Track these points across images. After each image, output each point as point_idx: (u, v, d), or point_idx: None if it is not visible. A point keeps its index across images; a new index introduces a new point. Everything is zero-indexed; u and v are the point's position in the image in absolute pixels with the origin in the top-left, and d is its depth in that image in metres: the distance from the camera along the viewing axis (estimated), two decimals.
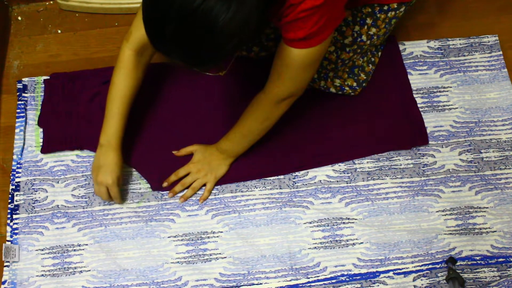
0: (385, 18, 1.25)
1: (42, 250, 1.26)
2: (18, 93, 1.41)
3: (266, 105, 1.16)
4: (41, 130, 1.37)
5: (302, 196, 1.31)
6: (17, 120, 1.39)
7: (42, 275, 1.24)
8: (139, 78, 1.23)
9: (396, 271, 1.24)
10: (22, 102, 1.40)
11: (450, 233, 1.28)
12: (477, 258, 1.25)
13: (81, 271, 1.24)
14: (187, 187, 1.31)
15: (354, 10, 1.23)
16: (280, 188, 1.32)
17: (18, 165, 1.34)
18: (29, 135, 1.37)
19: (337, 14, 1.00)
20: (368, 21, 1.25)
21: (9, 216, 1.29)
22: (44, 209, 1.30)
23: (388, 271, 1.24)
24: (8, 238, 1.27)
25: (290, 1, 0.94)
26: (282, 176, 1.33)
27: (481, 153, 1.36)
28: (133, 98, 1.23)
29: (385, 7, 1.22)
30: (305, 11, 0.94)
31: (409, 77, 1.43)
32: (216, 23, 0.81)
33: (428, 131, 1.37)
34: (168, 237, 1.27)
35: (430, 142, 1.37)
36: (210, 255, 1.26)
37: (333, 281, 1.24)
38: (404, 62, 1.45)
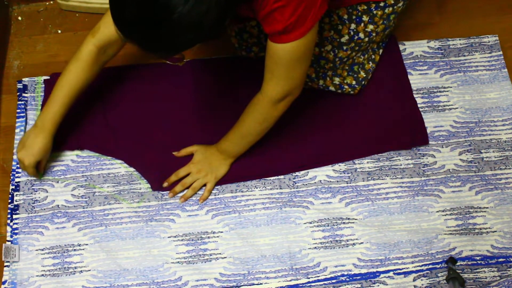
0: (382, 14, 1.24)
1: (42, 250, 1.26)
2: (18, 93, 1.41)
3: (263, 106, 1.16)
4: None
5: (302, 196, 1.31)
6: (17, 120, 1.39)
7: (42, 275, 1.24)
8: (93, 74, 1.24)
9: (396, 271, 1.24)
10: (22, 102, 1.40)
11: (450, 233, 1.28)
12: (477, 258, 1.25)
13: (81, 271, 1.24)
14: (187, 187, 1.31)
15: (349, 8, 1.23)
16: (280, 188, 1.32)
17: (18, 165, 1.34)
18: None
19: (316, 5, 0.99)
20: (365, 19, 1.24)
21: (9, 216, 1.29)
22: (44, 209, 1.30)
23: (388, 271, 1.24)
24: (8, 238, 1.27)
25: None
26: (282, 176, 1.33)
27: (481, 153, 1.36)
28: (82, 91, 1.24)
29: (381, 4, 1.22)
30: (279, 1, 0.95)
31: (409, 77, 1.43)
32: (172, 14, 0.83)
33: (428, 131, 1.37)
34: (168, 237, 1.27)
35: (430, 142, 1.37)
36: (210, 255, 1.26)
37: (333, 281, 1.24)
38: (404, 62, 1.45)
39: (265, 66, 1.10)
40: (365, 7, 1.23)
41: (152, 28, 0.85)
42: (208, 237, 1.28)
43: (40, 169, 1.29)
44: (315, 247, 1.27)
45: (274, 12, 0.97)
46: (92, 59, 1.20)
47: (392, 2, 1.23)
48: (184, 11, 0.83)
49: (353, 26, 1.25)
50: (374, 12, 1.24)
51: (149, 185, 1.32)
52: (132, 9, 0.84)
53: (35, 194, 1.31)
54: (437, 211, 1.30)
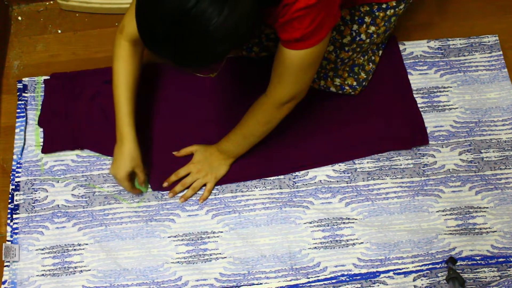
0: (384, 16, 1.25)
1: (42, 249, 1.26)
2: (18, 93, 1.41)
3: (268, 108, 1.17)
4: (41, 130, 1.37)
5: (302, 196, 1.31)
6: (17, 120, 1.39)
7: (43, 274, 1.24)
8: (137, 64, 1.23)
9: (396, 271, 1.24)
10: (22, 102, 1.40)
11: (450, 233, 1.28)
12: (477, 258, 1.25)
13: (81, 271, 1.24)
14: (187, 187, 1.31)
15: (352, 9, 1.23)
16: (280, 188, 1.32)
17: (18, 165, 1.34)
18: (29, 135, 1.37)
19: (332, 13, 1.00)
20: (367, 20, 1.25)
21: (9, 216, 1.29)
22: (44, 208, 1.30)
23: (388, 271, 1.24)
24: (8, 238, 1.27)
25: (284, 1, 0.94)
26: (282, 176, 1.33)
27: (481, 153, 1.36)
28: (137, 85, 1.23)
29: (384, 5, 1.22)
30: (299, 10, 0.94)
31: (409, 77, 1.43)
32: (207, 27, 0.81)
33: (428, 131, 1.37)
34: (168, 237, 1.27)
35: (430, 142, 1.37)
36: (210, 255, 1.26)
37: (333, 281, 1.24)
38: (404, 62, 1.45)
39: (274, 69, 1.10)
40: (368, 9, 1.23)
41: (187, 43, 0.83)
42: (208, 237, 1.28)
43: (140, 181, 1.26)
44: (315, 247, 1.27)
45: (293, 21, 0.97)
46: (130, 52, 1.20)
47: (394, 4, 1.23)
48: (219, 22, 0.81)
49: (355, 27, 1.25)
50: (376, 13, 1.24)
51: (149, 185, 1.32)
52: (164, 27, 0.82)
53: (35, 194, 1.31)
54: (437, 211, 1.30)
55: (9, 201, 1.31)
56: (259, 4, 0.88)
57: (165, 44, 0.84)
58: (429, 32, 1.50)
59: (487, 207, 1.31)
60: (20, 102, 1.40)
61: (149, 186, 1.32)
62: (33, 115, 1.39)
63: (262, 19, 1.02)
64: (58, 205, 1.30)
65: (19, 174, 1.33)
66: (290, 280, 1.24)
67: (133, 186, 1.26)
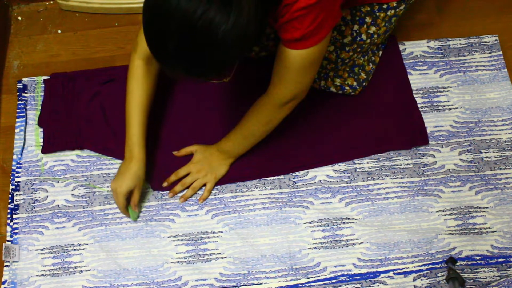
0: (384, 16, 1.25)
1: (42, 249, 1.26)
2: (18, 93, 1.41)
3: (269, 108, 1.17)
4: (41, 130, 1.37)
5: (302, 196, 1.31)
6: (17, 120, 1.39)
7: (42, 274, 1.24)
8: (151, 85, 1.23)
9: (396, 271, 1.24)
10: (22, 102, 1.40)
11: (450, 233, 1.28)
12: (477, 258, 1.25)
13: (81, 271, 1.24)
14: (187, 187, 1.31)
15: (353, 9, 1.24)
16: (280, 188, 1.32)
17: (18, 165, 1.34)
18: (29, 135, 1.37)
19: (333, 13, 1.00)
20: (368, 20, 1.25)
21: (9, 216, 1.29)
22: (44, 208, 1.30)
23: (388, 271, 1.24)
24: (8, 238, 1.27)
25: (285, 1, 0.94)
26: (282, 176, 1.33)
27: (481, 153, 1.36)
28: (149, 105, 1.24)
29: (384, 6, 1.22)
30: (300, 10, 0.95)
31: (409, 77, 1.43)
32: (216, 34, 0.81)
33: (428, 131, 1.37)
34: (168, 237, 1.27)
35: (430, 142, 1.37)
36: (210, 255, 1.26)
37: (333, 281, 1.24)
38: (404, 62, 1.45)
39: (274, 69, 1.10)
40: (368, 9, 1.23)
41: (198, 53, 0.83)
42: (208, 237, 1.28)
43: (133, 204, 1.24)
44: (315, 247, 1.27)
45: (293, 21, 0.97)
46: (144, 72, 1.20)
47: (395, 4, 1.23)
48: (227, 28, 0.81)
49: (356, 27, 1.26)
50: (377, 14, 1.24)
51: (149, 185, 1.32)
52: (173, 40, 0.82)
53: (35, 194, 1.31)
54: (437, 211, 1.30)
55: (9, 201, 1.31)
56: (263, 5, 0.88)
57: (176, 57, 0.84)
58: (429, 32, 1.50)
59: (487, 207, 1.31)
60: (20, 102, 1.40)
61: (138, 215, 1.29)
62: (33, 115, 1.39)
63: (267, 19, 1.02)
64: (58, 205, 1.30)
65: (19, 174, 1.33)
66: (290, 280, 1.24)
67: (126, 205, 1.25)
